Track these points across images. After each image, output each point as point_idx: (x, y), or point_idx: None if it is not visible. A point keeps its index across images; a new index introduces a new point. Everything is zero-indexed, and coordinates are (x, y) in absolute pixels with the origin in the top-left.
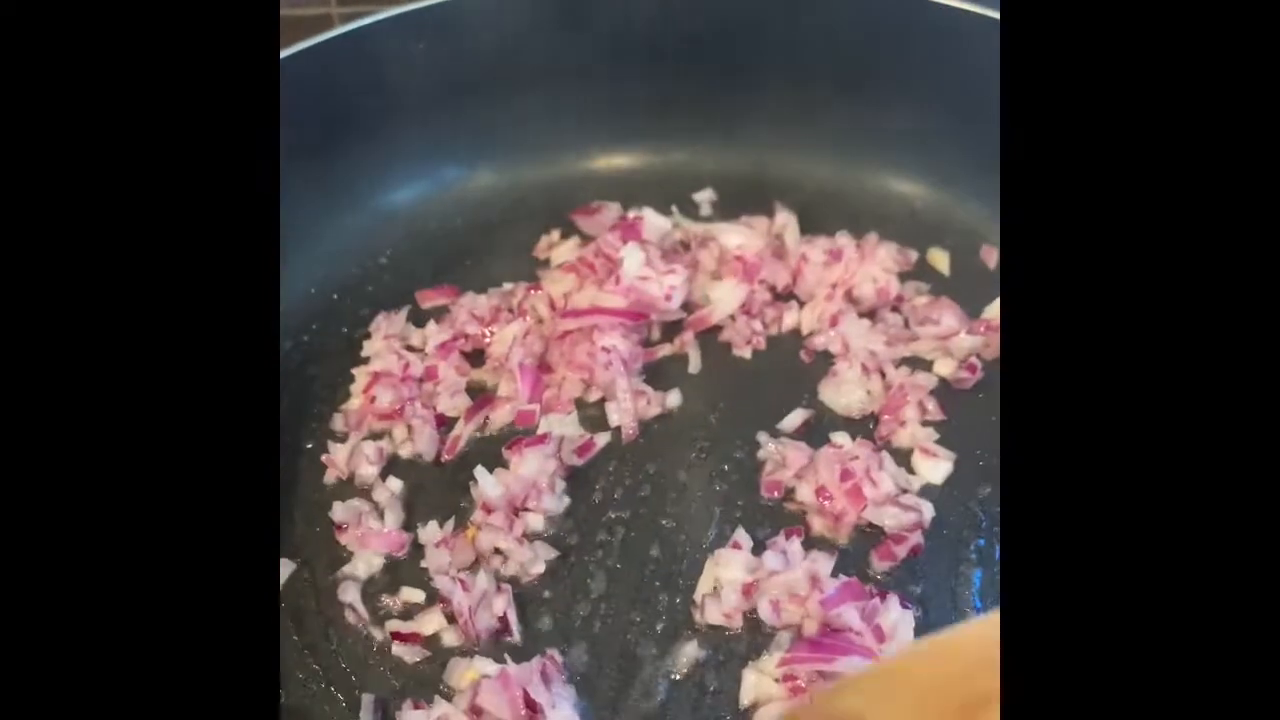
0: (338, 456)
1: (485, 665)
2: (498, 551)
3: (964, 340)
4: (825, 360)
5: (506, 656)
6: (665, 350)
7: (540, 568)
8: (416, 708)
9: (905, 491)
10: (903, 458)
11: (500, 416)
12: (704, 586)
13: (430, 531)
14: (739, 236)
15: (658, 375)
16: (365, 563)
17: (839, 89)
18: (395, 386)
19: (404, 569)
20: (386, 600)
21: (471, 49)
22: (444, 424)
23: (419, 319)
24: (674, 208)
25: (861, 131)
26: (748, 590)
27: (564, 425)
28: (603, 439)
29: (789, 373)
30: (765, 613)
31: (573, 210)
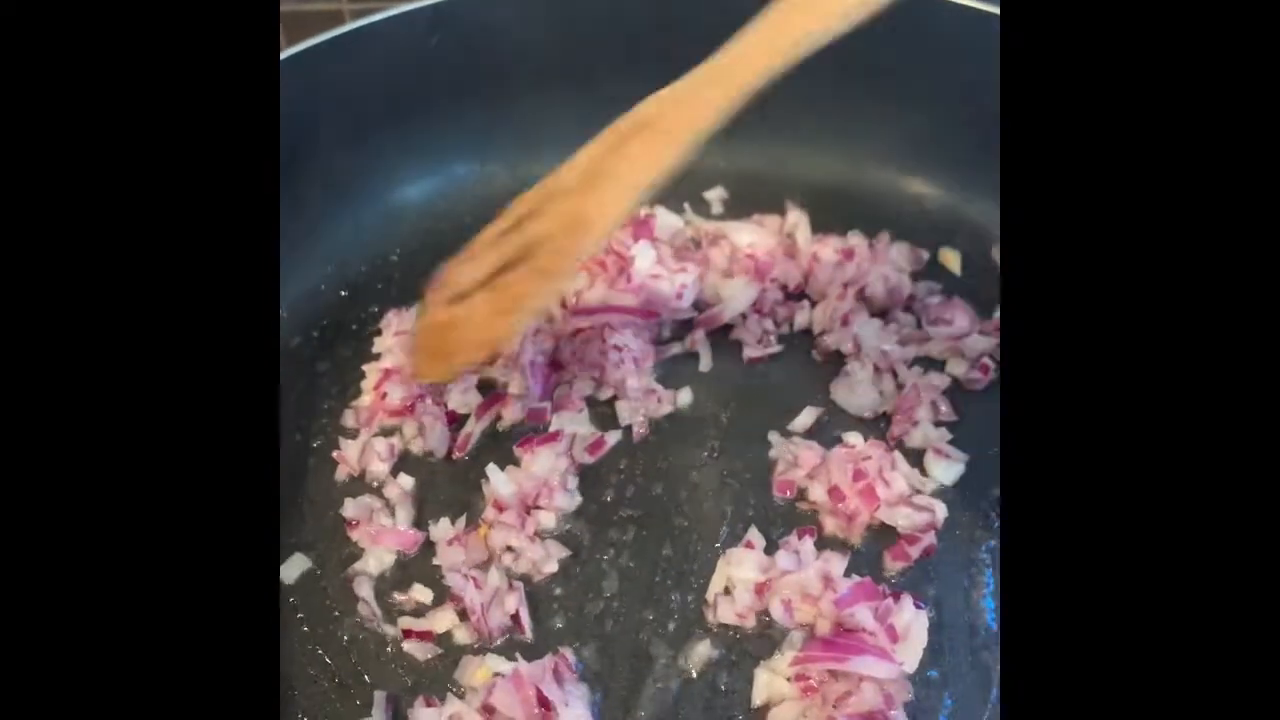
0: (349, 453)
1: (497, 663)
2: (509, 549)
3: (976, 341)
4: (837, 360)
5: (518, 655)
6: (676, 349)
7: (552, 566)
8: (428, 705)
9: (918, 492)
10: (915, 458)
11: (511, 414)
12: (716, 586)
13: (442, 529)
14: (750, 235)
15: (668, 374)
16: (377, 559)
17: (849, 87)
18: (406, 383)
19: (415, 566)
20: (398, 597)
21: (483, 45)
22: (455, 421)
23: None
24: (686, 205)
25: (872, 130)
26: (760, 590)
27: (575, 423)
28: (614, 437)
29: (800, 372)
30: (777, 612)
31: None
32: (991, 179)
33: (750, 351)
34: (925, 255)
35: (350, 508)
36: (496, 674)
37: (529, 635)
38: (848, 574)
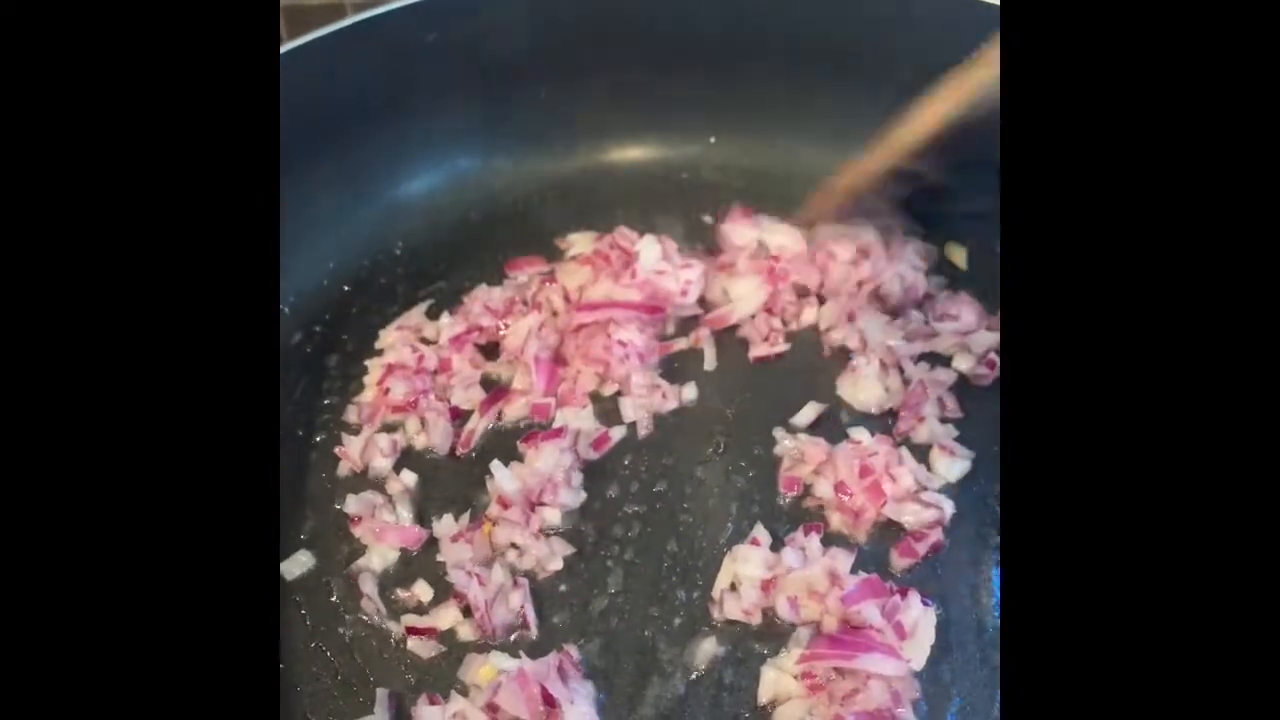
0: (351, 449)
1: (501, 660)
2: (514, 546)
3: (983, 336)
4: (843, 355)
5: (522, 652)
6: (681, 344)
7: (557, 563)
8: (432, 703)
9: (925, 488)
10: (921, 454)
11: (515, 409)
12: (722, 582)
13: (445, 525)
14: (782, 237)
15: (673, 369)
16: (380, 556)
17: (855, 84)
18: (409, 379)
19: (418, 563)
20: (401, 594)
21: (485, 39)
22: (458, 417)
23: (433, 311)
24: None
25: (878, 126)
26: (767, 587)
27: (579, 419)
28: (618, 433)
29: (806, 368)
30: (783, 609)
31: (589, 201)
32: (994, 173)
33: (757, 350)
34: (934, 251)
35: (352, 504)
36: (501, 671)
37: (534, 632)
38: (854, 571)
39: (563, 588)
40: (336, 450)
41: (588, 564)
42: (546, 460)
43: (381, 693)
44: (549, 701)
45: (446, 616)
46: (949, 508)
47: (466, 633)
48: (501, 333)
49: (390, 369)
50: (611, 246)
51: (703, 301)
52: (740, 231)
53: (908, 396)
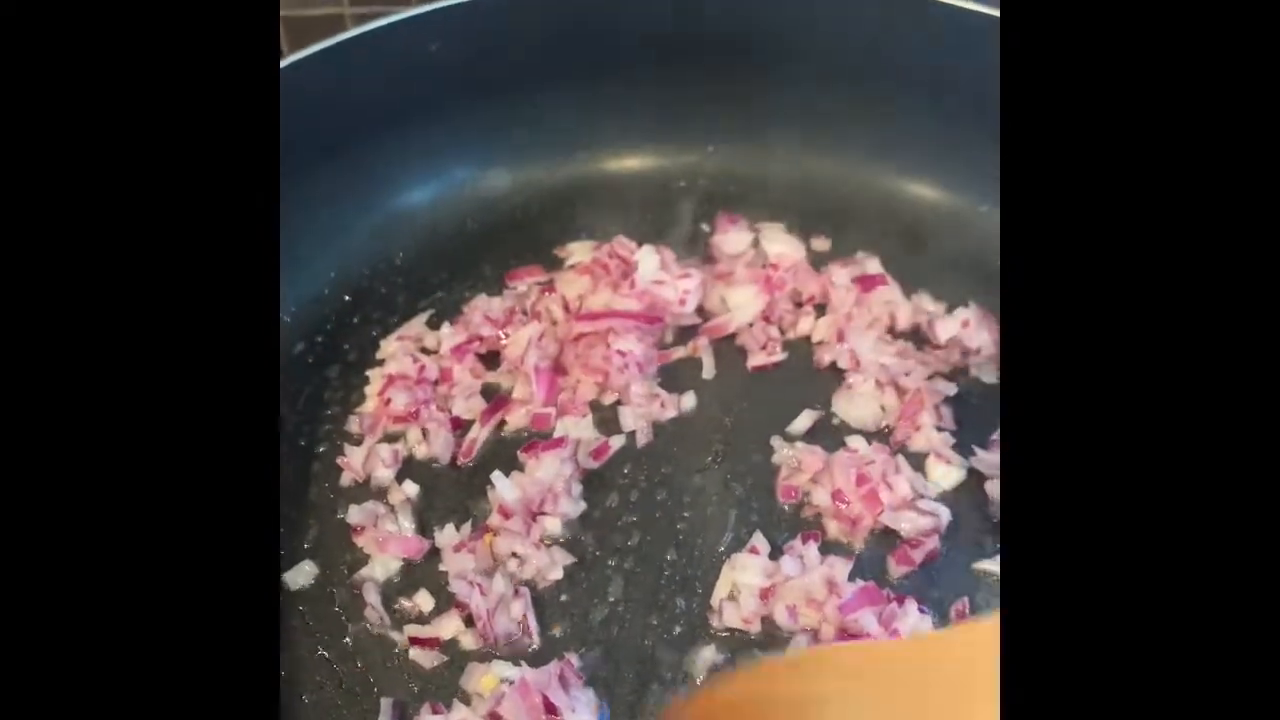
0: (353, 459)
1: (503, 669)
2: (515, 556)
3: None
4: (836, 369)
5: (523, 661)
6: (679, 353)
7: (558, 573)
8: (435, 712)
9: (921, 496)
10: (918, 462)
11: (515, 419)
12: (721, 591)
13: (447, 535)
14: (781, 245)
15: (672, 378)
16: (382, 566)
17: (853, 91)
18: (410, 389)
19: (420, 572)
20: (404, 603)
21: (484, 50)
22: (459, 426)
23: (434, 321)
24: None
25: (876, 134)
26: (765, 595)
27: (579, 428)
28: (617, 442)
29: (804, 377)
30: (782, 617)
31: (587, 211)
32: (992, 180)
33: (754, 360)
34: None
35: (355, 514)
36: (503, 680)
37: (536, 641)
38: (852, 578)
39: (563, 597)
40: (339, 460)
41: (588, 573)
42: (547, 470)
43: (386, 702)
44: (550, 710)
45: (449, 626)
46: (945, 515)
47: (469, 642)
48: (502, 342)
49: (391, 379)
50: (610, 256)
51: (701, 310)
52: (731, 240)
53: (905, 406)
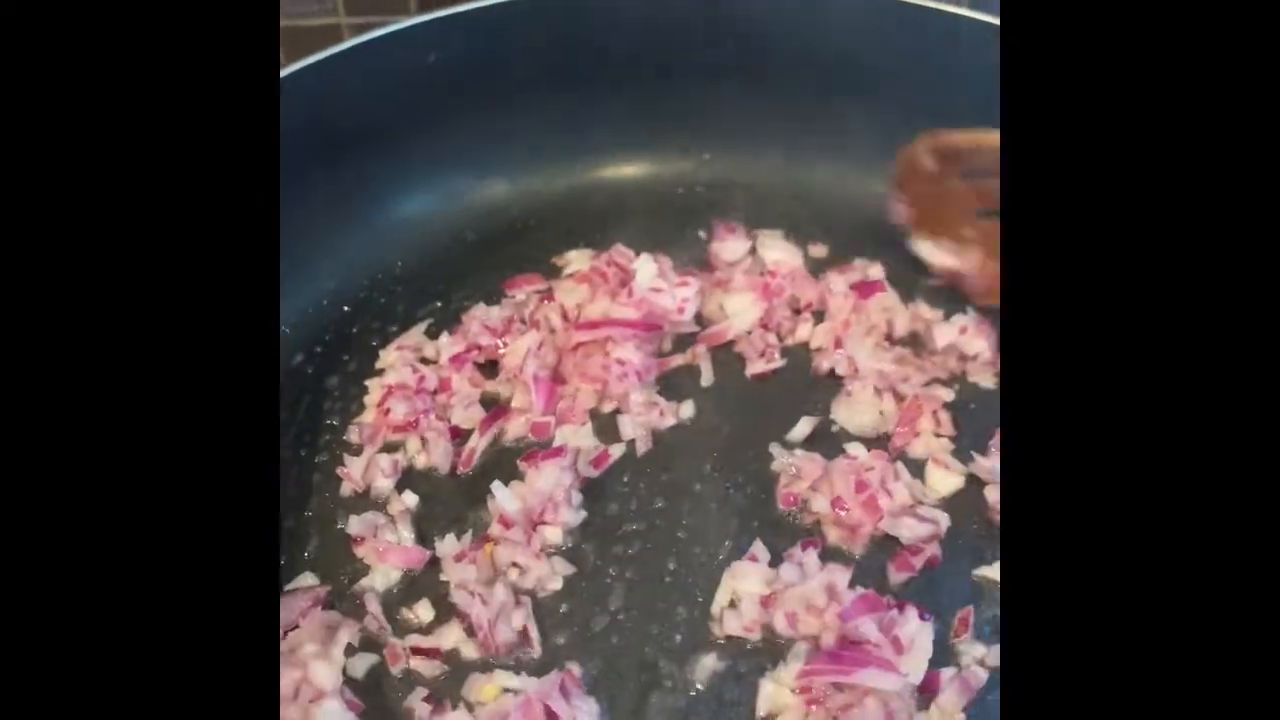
0: (353, 469)
1: (505, 678)
2: (515, 565)
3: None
4: (834, 375)
5: (524, 671)
6: (678, 360)
7: (558, 582)
8: None
9: (921, 503)
10: (917, 469)
11: (515, 428)
12: (721, 599)
13: (448, 545)
14: (779, 252)
15: (670, 386)
16: (383, 576)
17: (848, 98)
18: (410, 399)
19: (420, 582)
20: (405, 613)
21: (481, 60)
22: (458, 436)
23: (432, 330)
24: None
25: (873, 139)
26: (766, 602)
27: (579, 437)
28: (617, 450)
29: (802, 384)
30: (781, 625)
31: (585, 220)
32: None
33: (753, 367)
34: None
35: (355, 524)
36: (505, 689)
37: (537, 650)
38: (852, 585)
39: (564, 606)
40: (339, 471)
41: (589, 582)
42: (547, 479)
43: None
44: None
45: (450, 636)
46: (944, 521)
47: (470, 652)
48: (500, 351)
49: (391, 390)
50: (608, 264)
51: (699, 318)
52: (729, 247)
53: (903, 412)
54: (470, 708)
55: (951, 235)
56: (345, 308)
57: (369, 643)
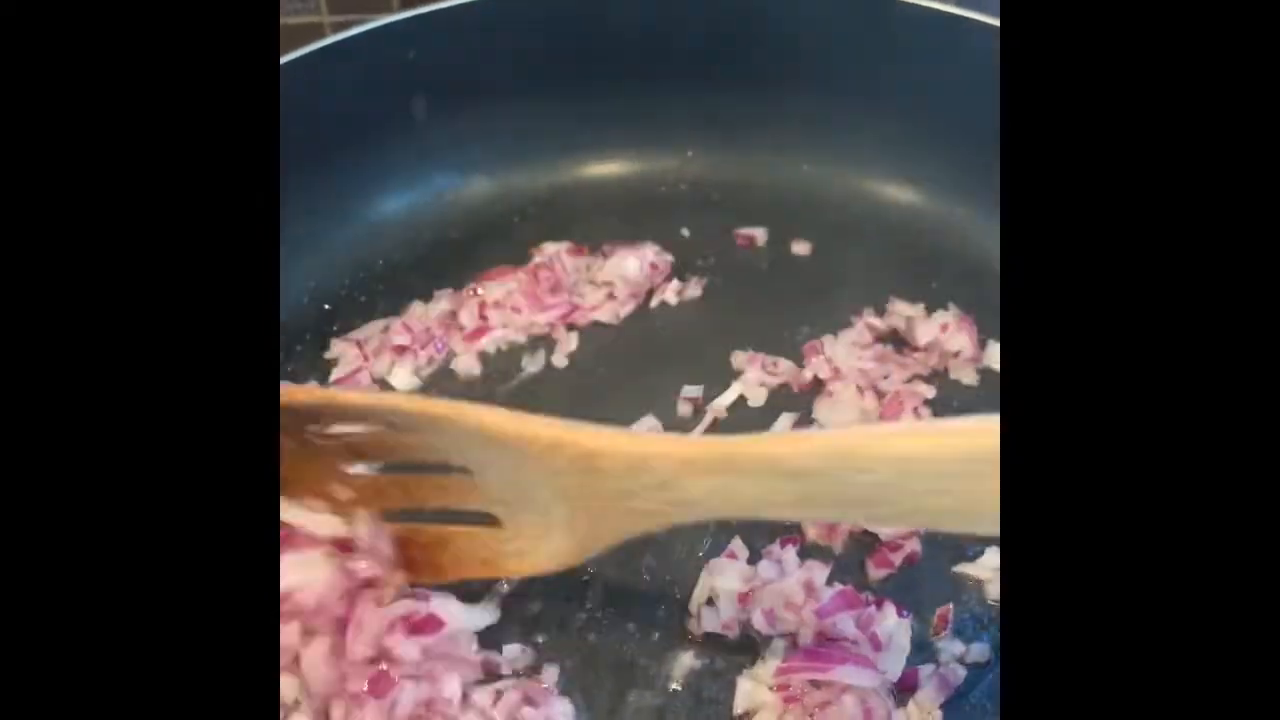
0: None
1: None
2: None
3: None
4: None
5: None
6: None
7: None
8: None
9: None
10: None
11: None
12: (699, 596)
13: None
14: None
15: None
16: None
17: (831, 96)
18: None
19: None
20: None
21: (463, 57)
22: None
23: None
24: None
25: (854, 138)
26: (744, 599)
27: None
28: None
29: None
30: (759, 622)
31: (568, 217)
32: (970, 183)
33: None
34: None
35: None
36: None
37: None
38: (830, 581)
39: (540, 606)
40: None
41: (565, 581)
42: None
43: None
44: None
45: None
46: None
47: None
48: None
49: (340, 383)
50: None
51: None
52: None
53: (884, 409)
54: None
55: (323, 496)
56: (326, 306)
57: None
